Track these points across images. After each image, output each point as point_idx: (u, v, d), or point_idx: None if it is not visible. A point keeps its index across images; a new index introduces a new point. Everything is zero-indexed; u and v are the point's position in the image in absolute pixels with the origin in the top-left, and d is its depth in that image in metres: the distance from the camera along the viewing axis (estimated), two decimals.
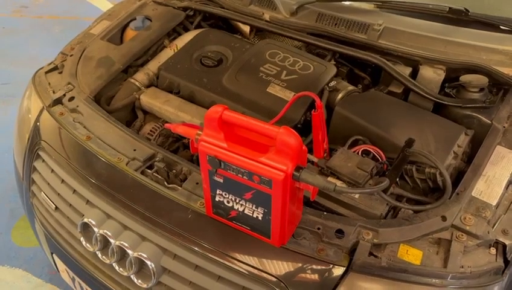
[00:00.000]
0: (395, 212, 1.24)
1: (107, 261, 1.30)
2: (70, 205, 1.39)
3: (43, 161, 1.50)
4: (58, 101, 1.59)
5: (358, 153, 1.34)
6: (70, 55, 1.76)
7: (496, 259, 1.12)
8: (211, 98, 1.56)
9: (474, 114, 1.43)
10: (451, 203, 1.18)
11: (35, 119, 1.58)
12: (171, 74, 1.66)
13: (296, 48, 1.74)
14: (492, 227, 1.16)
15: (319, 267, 1.12)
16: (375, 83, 1.68)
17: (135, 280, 1.27)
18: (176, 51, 1.79)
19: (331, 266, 1.11)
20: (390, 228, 1.14)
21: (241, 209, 1.09)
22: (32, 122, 1.58)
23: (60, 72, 1.73)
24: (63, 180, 1.42)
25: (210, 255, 1.17)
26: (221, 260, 1.16)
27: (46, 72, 1.74)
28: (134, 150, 1.40)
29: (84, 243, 1.33)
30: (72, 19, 4.25)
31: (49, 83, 1.68)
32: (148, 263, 1.21)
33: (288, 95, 1.51)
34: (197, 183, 1.29)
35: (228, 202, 1.11)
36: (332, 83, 1.56)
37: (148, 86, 1.70)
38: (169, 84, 1.66)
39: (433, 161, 1.18)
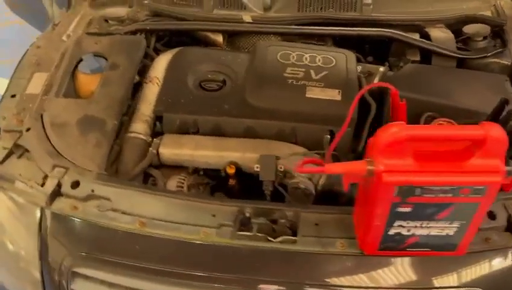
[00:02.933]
0: None
1: None
2: None
3: (87, 277, 1.08)
4: (56, 194, 1.16)
5: None
6: (27, 130, 1.29)
7: None
8: (244, 124, 1.32)
9: (495, 60, 1.49)
10: None
11: (38, 231, 1.13)
12: (178, 112, 1.35)
13: (300, 43, 1.57)
14: None
15: (499, 256, 1.04)
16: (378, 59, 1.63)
17: None
18: (159, 84, 1.46)
19: (509, 249, 1.05)
20: None
21: (425, 233, 0.94)
22: (37, 237, 1.13)
23: (20, 156, 1.27)
24: None
25: None
26: None
27: (1, 163, 1.26)
28: (213, 215, 1.10)
29: None
30: None
31: (20, 174, 1.22)
32: None
33: (333, 94, 1.35)
34: (317, 225, 1.08)
35: (408, 230, 0.94)
36: (359, 68, 1.46)
37: (153, 136, 1.36)
38: (181, 125, 1.35)
39: None
